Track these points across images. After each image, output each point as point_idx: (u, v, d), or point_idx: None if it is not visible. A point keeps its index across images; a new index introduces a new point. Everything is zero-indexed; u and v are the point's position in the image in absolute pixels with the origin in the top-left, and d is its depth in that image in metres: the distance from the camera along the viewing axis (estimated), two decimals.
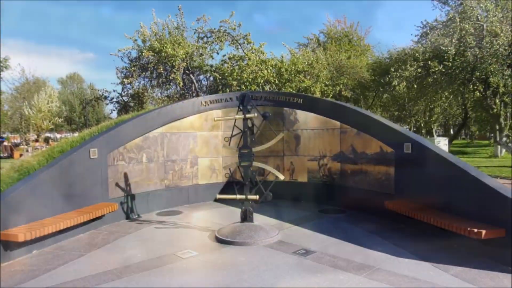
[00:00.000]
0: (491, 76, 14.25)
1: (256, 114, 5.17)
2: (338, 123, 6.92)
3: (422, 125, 26.75)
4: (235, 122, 5.34)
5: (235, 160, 5.75)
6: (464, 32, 14.17)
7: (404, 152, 5.46)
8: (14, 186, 4.65)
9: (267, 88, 13.64)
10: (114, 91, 17.10)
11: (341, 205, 6.79)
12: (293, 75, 14.19)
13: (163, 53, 13.51)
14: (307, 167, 7.49)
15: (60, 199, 4.97)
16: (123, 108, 17.47)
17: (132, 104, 17.58)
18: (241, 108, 5.22)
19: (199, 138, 7.61)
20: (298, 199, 7.51)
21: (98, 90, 17.51)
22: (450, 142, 20.63)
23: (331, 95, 16.22)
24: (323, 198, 7.14)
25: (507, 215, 3.81)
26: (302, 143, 7.58)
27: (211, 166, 7.78)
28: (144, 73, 14.97)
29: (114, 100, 17.44)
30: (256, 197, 5.16)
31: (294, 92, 13.31)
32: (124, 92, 16.72)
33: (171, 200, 7.13)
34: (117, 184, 6.09)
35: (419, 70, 15.81)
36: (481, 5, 14.55)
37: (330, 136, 7.12)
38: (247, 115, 5.13)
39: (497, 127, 18.09)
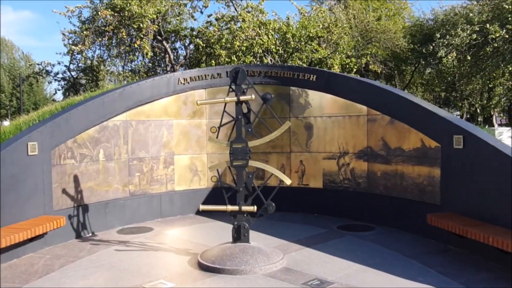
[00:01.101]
0: None
1: (253, 96, 5.14)
2: (364, 108, 6.91)
3: (478, 110, 26.85)
4: (225, 106, 5.31)
5: (225, 158, 5.73)
6: None
7: (454, 148, 5.45)
8: None
9: (267, 60, 13.60)
10: (59, 63, 16.93)
11: (368, 219, 6.79)
12: (303, 43, 14.14)
13: (126, 12, 13.41)
14: (323, 168, 7.50)
15: None
16: (72, 87, 17.35)
17: (83, 82, 17.47)
18: (233, 87, 5.17)
19: (175, 128, 7.59)
20: (310, 211, 7.52)
21: (37, 63, 17.37)
22: None
23: (354, 70, 16.22)
24: (343, 210, 7.15)
25: None
26: (315, 135, 7.57)
27: (192, 166, 7.78)
28: (100, 39, 14.84)
29: (60, 76, 17.33)
30: (254, 208, 5.16)
31: (304, 66, 13.29)
32: (73, 66, 16.60)
33: (138, 213, 7.11)
34: (64, 191, 6.06)
35: (474, 36, 15.81)
36: None
37: (353, 126, 7.10)
38: (242, 98, 5.09)
39: None
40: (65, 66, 16.61)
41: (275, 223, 6.81)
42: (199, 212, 7.17)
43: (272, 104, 6.43)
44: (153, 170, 7.34)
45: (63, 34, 15.22)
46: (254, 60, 13.34)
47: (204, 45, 14.31)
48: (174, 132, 7.57)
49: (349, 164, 7.19)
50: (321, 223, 6.88)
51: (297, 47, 14.13)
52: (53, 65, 16.83)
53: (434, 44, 16.58)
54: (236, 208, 5.17)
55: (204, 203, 7.34)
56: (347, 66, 15.61)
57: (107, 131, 6.72)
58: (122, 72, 16.00)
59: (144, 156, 7.23)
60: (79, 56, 15.45)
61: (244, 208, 5.18)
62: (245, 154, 5.14)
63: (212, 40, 13.92)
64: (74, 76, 17.16)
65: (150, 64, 16.87)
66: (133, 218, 7.03)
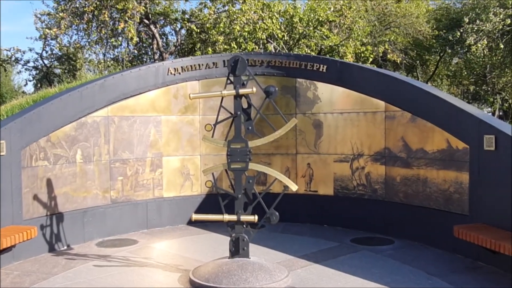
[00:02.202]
0: None
1: (254, 89, 5.15)
2: (382, 103, 6.93)
3: None
4: (221, 101, 5.32)
5: (222, 161, 5.73)
6: None
7: (484, 150, 5.45)
8: None
9: (271, 48, 13.63)
10: (30, 50, 16.96)
11: (386, 231, 6.83)
12: (311, 28, 14.18)
13: None
14: (333, 172, 7.52)
15: None
16: (45, 77, 17.39)
17: (58, 72, 17.49)
18: (232, 79, 5.19)
19: (164, 126, 7.61)
20: (319, 222, 7.56)
21: (5, 49, 17.42)
22: None
23: (371, 60, 16.26)
24: (358, 220, 7.18)
25: None
26: (325, 134, 7.58)
27: (183, 169, 7.81)
28: (78, 22, 14.87)
29: (31, 64, 17.38)
30: (254, 218, 5.19)
31: (313, 54, 13.31)
32: (46, 53, 16.64)
33: (121, 223, 7.13)
34: (36, 197, 6.07)
35: (508, 21, 15.83)
36: None
37: (369, 124, 7.12)
38: (241, 91, 5.11)
39: None
40: (37, 53, 16.69)
41: (279, 235, 6.85)
42: (191, 222, 7.11)
43: (276, 98, 6.42)
44: (138, 173, 7.35)
45: (36, 16, 15.28)
46: (256, 47, 13.40)
47: (198, 30, 14.36)
48: (162, 130, 7.57)
49: (364, 167, 7.19)
50: (331, 235, 6.90)
51: (304, 32, 14.19)
52: (24, 52, 16.91)
53: (462, 30, 16.61)
54: (234, 217, 5.19)
55: (197, 212, 7.32)
56: (362, 55, 15.66)
57: (86, 128, 6.72)
58: (103, 61, 16.02)
59: (128, 158, 7.23)
60: (53, 41, 15.52)
61: (243, 218, 5.19)
62: (245, 156, 5.14)
63: (207, 25, 13.97)
64: (48, 65, 17.21)
65: (136, 52, 16.92)
66: (115, 229, 7.03)
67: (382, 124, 6.95)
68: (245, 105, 5.21)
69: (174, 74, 7.58)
